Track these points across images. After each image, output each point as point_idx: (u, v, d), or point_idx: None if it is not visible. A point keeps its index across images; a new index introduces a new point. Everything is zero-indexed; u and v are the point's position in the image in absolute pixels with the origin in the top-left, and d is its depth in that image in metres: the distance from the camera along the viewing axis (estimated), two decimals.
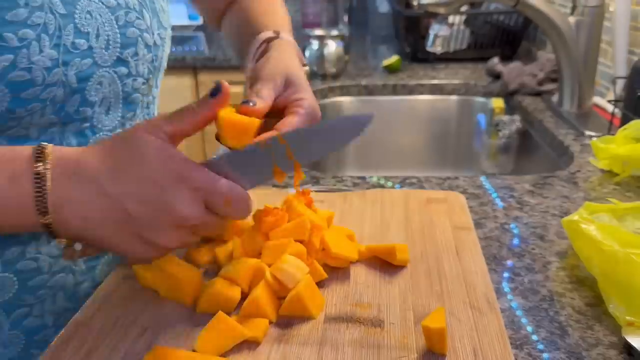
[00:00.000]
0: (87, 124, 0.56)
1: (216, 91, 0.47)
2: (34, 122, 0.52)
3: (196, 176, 0.45)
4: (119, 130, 0.59)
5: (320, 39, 1.55)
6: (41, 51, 0.49)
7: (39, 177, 0.44)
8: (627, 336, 0.51)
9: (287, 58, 0.60)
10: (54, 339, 0.49)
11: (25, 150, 0.45)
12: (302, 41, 1.81)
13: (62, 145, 0.52)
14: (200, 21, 2.56)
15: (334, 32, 1.56)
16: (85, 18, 0.52)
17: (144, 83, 0.61)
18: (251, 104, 0.50)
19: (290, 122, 0.52)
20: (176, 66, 2.12)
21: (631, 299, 0.53)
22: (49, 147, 0.45)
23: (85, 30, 0.53)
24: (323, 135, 0.52)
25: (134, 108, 0.61)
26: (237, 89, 1.50)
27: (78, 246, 0.49)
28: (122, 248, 0.47)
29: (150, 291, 0.57)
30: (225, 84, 0.47)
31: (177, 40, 2.31)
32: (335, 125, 0.52)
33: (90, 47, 0.53)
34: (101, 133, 0.58)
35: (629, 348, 0.51)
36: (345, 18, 2.27)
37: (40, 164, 0.44)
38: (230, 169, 0.48)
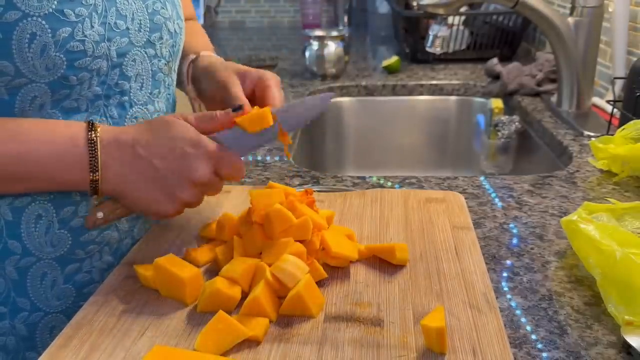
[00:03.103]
0: (126, 97, 0.65)
1: (239, 109, 0.61)
2: (82, 94, 0.60)
3: (210, 146, 0.58)
4: (149, 105, 0.69)
5: (320, 39, 1.54)
6: (92, 27, 0.58)
7: (92, 142, 0.56)
8: (626, 335, 0.51)
9: (219, 62, 0.74)
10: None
11: (79, 122, 0.58)
12: (302, 42, 1.81)
13: (106, 116, 0.64)
14: (201, 21, 2.56)
15: (334, 33, 1.56)
16: (124, 3, 0.62)
17: (165, 64, 0.70)
18: (240, 110, 0.62)
19: (272, 96, 0.67)
20: None
21: (630, 299, 0.53)
22: (97, 123, 0.58)
23: (124, 14, 0.62)
24: (298, 110, 0.66)
25: (158, 85, 0.70)
26: None
27: (100, 214, 0.60)
28: (148, 202, 0.58)
29: (150, 291, 0.57)
30: (247, 107, 0.62)
31: None
32: (306, 102, 0.66)
33: (127, 28, 0.62)
34: (136, 106, 0.67)
35: (627, 347, 0.51)
36: (345, 19, 2.27)
37: (92, 132, 0.57)
38: (233, 142, 0.60)
